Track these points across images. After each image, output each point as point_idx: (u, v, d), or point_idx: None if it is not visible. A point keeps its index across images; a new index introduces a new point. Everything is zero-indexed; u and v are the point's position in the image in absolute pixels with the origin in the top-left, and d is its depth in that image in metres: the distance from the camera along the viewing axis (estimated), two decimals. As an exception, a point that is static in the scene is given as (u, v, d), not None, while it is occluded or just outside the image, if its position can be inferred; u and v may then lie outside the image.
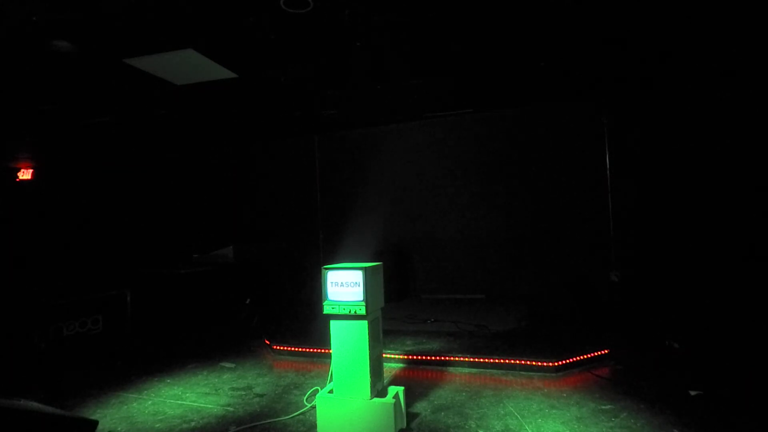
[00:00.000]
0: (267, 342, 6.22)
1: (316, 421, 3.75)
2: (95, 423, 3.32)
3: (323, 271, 3.72)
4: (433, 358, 5.20)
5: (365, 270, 3.60)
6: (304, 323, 7.05)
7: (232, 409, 4.29)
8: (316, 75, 5.78)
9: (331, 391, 3.77)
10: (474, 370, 5.01)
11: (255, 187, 10.20)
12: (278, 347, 5.91)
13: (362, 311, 3.57)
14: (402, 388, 3.76)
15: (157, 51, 4.71)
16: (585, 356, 4.96)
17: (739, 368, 4.70)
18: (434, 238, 8.82)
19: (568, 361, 4.86)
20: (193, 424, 4.02)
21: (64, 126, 7.37)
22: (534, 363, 4.85)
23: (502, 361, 4.96)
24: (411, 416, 3.91)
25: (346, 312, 3.61)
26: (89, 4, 3.71)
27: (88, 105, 6.41)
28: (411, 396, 4.30)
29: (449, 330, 6.15)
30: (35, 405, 3.08)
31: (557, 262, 7.95)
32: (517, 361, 4.92)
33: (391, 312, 7.18)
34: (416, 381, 4.79)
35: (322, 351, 5.53)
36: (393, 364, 5.30)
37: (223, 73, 5.39)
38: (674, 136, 7.32)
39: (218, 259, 8.70)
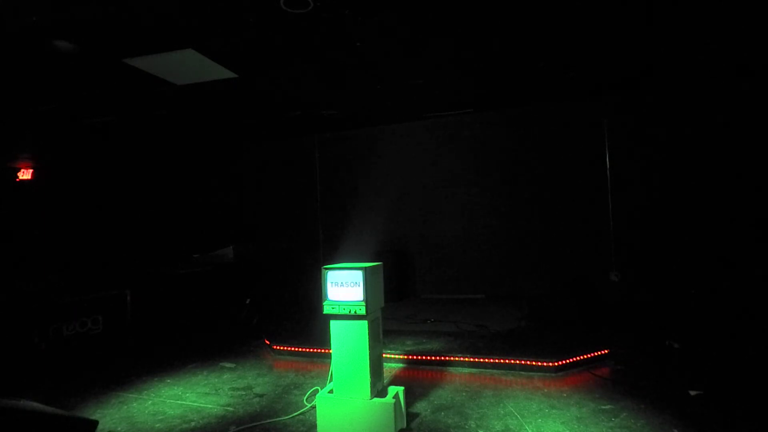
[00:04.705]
0: (267, 342, 6.22)
1: (316, 421, 3.75)
2: (95, 423, 3.32)
3: (323, 271, 3.72)
4: (433, 358, 5.20)
5: (365, 270, 3.60)
6: (304, 323, 7.05)
7: (232, 409, 4.29)
8: (316, 75, 5.78)
9: (331, 391, 3.77)
10: (474, 370, 5.01)
11: (255, 186, 10.20)
12: (278, 347, 5.91)
13: (362, 311, 3.57)
14: (402, 388, 3.76)
15: (157, 51, 4.71)
16: (585, 356, 4.96)
17: (739, 368, 4.70)
18: (434, 239, 8.82)
19: (568, 361, 4.86)
20: (193, 424, 4.02)
21: (64, 126, 7.37)
22: (534, 363, 4.85)
23: (502, 361, 4.96)
24: (411, 416, 3.91)
25: (346, 312, 3.61)
26: (89, 4, 3.71)
27: (89, 105, 6.41)
28: (411, 396, 4.30)
29: (449, 330, 6.16)
30: (35, 405, 3.08)
31: (557, 262, 7.95)
32: (517, 361, 4.91)
33: (391, 312, 7.18)
34: (416, 381, 4.79)
35: (322, 351, 5.53)
36: (393, 364, 5.30)
37: (223, 73, 5.39)
38: (674, 135, 7.32)
39: (218, 259, 8.70)
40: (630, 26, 4.71)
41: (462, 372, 5.00)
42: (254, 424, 3.94)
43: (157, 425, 4.03)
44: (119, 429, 3.99)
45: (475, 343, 5.50)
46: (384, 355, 4.27)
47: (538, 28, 4.67)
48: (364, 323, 3.64)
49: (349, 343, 3.68)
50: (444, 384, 4.68)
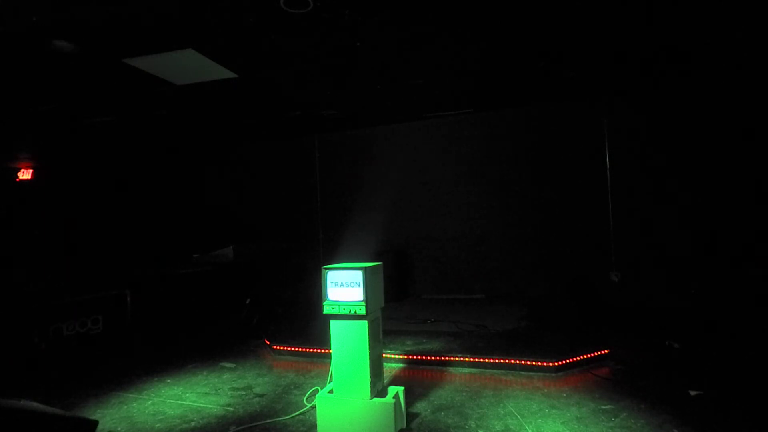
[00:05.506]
0: (267, 342, 6.22)
1: (316, 421, 3.75)
2: (95, 423, 3.32)
3: (323, 271, 3.72)
4: (433, 358, 5.20)
5: (365, 270, 3.60)
6: (304, 323, 7.05)
7: (232, 409, 4.29)
8: (316, 75, 5.78)
9: (331, 391, 3.77)
10: (474, 370, 5.01)
11: (255, 187, 10.20)
12: (278, 347, 5.91)
13: (362, 311, 3.57)
14: (402, 388, 3.76)
15: (157, 51, 4.71)
16: (585, 356, 4.96)
17: (739, 368, 4.70)
18: (434, 238, 8.82)
19: (568, 361, 4.86)
20: (193, 424, 4.02)
21: (64, 126, 7.37)
22: (534, 363, 4.85)
23: (502, 361, 4.96)
24: (411, 416, 3.91)
25: (346, 312, 3.61)
26: (89, 4, 3.71)
27: (88, 105, 6.41)
28: (411, 396, 4.30)
29: (449, 330, 6.16)
30: (35, 405, 3.08)
31: (557, 262, 7.95)
32: (517, 361, 4.91)
33: (391, 312, 7.18)
34: (416, 381, 4.79)
35: (322, 351, 5.53)
36: (393, 364, 5.30)
37: (223, 73, 5.39)
38: (674, 135, 7.32)
39: (218, 259, 8.69)
40: (630, 26, 4.71)
41: (462, 372, 5.00)
42: (254, 424, 3.94)
43: (157, 425, 4.03)
44: (119, 429, 3.99)
45: (475, 343, 5.50)
46: (384, 355, 4.27)
47: (538, 28, 4.67)
48: (364, 323, 3.64)
49: (349, 343, 3.68)
50: (444, 384, 4.68)
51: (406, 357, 5.30)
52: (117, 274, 7.69)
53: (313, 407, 4.04)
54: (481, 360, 5.03)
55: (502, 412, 3.96)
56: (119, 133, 8.15)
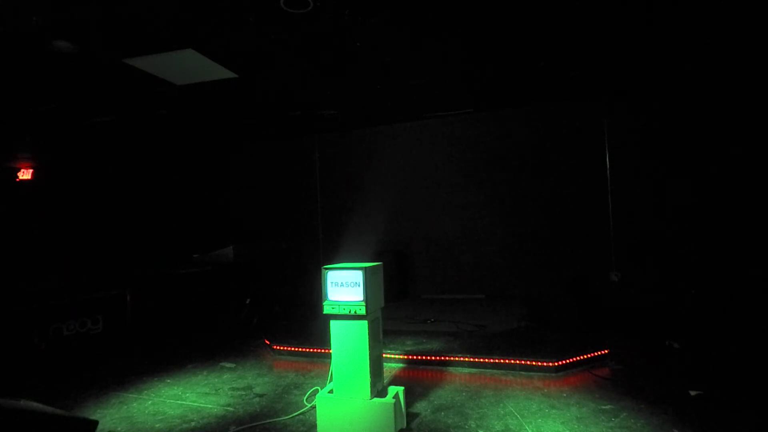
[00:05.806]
0: (267, 342, 6.22)
1: (316, 421, 3.75)
2: (95, 423, 3.32)
3: (323, 271, 3.72)
4: (433, 358, 5.20)
5: (365, 270, 3.60)
6: (304, 323, 7.05)
7: (232, 409, 4.29)
8: (316, 75, 5.78)
9: (331, 391, 3.77)
10: (474, 370, 5.01)
11: (255, 187, 10.20)
12: (278, 347, 5.91)
13: (362, 311, 3.57)
14: (402, 388, 3.76)
15: (157, 51, 4.71)
16: (585, 356, 4.96)
17: (739, 368, 4.70)
18: (434, 238, 8.82)
19: (568, 361, 4.86)
20: (193, 424, 4.02)
21: (64, 126, 7.37)
22: (534, 363, 4.85)
23: (501, 361, 4.96)
24: (411, 416, 3.91)
25: (346, 312, 3.61)
26: (89, 4, 3.71)
27: (88, 105, 6.41)
28: (411, 396, 4.30)
29: (449, 330, 6.15)
30: (35, 405, 3.08)
31: (557, 262, 7.95)
32: (517, 361, 4.91)
33: (391, 312, 7.18)
34: (416, 381, 4.79)
35: (322, 351, 5.53)
36: (393, 364, 5.30)
37: (223, 73, 5.39)
38: (674, 135, 7.32)
39: (218, 259, 8.69)
40: (629, 27, 4.71)
41: (462, 372, 5.00)
42: (254, 424, 3.94)
43: (157, 425, 4.03)
44: (119, 429, 3.99)
45: (475, 343, 5.49)
46: (384, 355, 4.28)
47: (539, 28, 4.67)
48: (364, 323, 3.64)
49: (349, 343, 3.68)
50: (444, 384, 4.68)
51: (406, 357, 5.30)
52: (117, 274, 7.69)
53: (313, 407, 4.04)
54: (481, 360, 5.03)
55: (502, 412, 3.96)
56: (119, 133, 8.15)
